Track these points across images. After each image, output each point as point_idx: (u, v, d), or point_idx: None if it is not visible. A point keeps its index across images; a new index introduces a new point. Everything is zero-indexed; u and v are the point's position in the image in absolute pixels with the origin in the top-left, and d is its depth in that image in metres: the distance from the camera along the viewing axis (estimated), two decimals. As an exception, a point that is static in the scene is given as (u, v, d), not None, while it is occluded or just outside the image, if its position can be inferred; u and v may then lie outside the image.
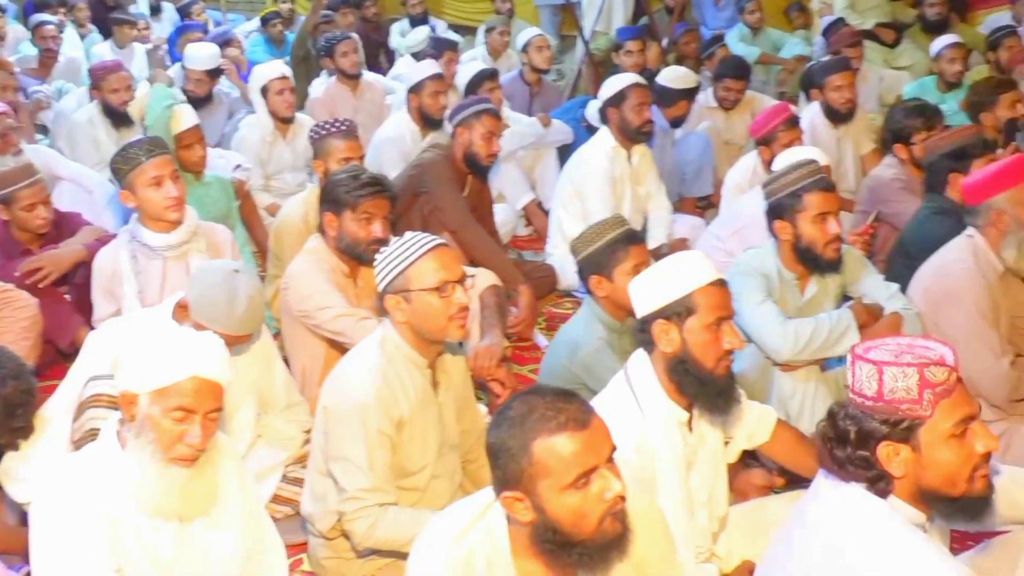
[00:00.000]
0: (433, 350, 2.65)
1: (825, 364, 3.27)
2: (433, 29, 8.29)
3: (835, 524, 1.94)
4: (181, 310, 2.80)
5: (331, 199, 3.38)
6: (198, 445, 2.11)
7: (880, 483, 1.92)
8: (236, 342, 2.71)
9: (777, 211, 3.23)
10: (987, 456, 1.91)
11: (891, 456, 1.89)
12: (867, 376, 1.91)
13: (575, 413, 1.78)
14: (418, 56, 6.53)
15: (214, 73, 6.26)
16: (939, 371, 1.87)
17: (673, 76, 5.50)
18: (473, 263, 3.92)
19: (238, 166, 5.32)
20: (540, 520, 1.79)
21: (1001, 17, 7.53)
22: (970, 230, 3.18)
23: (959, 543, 2.45)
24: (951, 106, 5.67)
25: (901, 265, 3.66)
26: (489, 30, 7.79)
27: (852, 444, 1.92)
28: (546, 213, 5.29)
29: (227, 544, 2.27)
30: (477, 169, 4.44)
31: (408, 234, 2.66)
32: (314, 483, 2.71)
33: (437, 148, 4.55)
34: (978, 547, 2.35)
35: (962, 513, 1.93)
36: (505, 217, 5.26)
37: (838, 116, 5.17)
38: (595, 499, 1.77)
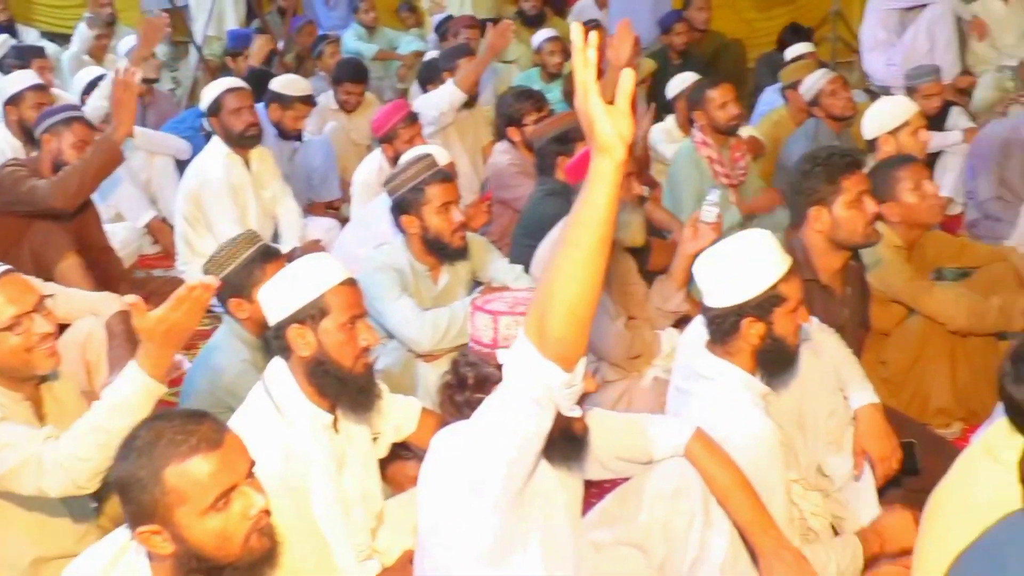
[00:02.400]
0: (28, 385, 2.44)
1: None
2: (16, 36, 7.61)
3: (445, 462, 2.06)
4: None
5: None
6: None
7: None
8: None
9: (402, 206, 3.31)
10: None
11: None
12: (484, 325, 2.04)
13: (207, 433, 1.71)
14: (1, 66, 5.99)
15: None
16: None
17: (286, 83, 5.43)
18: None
19: None
20: (182, 550, 1.71)
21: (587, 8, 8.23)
22: (577, 208, 3.43)
23: (595, 496, 2.63)
24: (555, 95, 6.11)
25: (524, 246, 3.86)
26: (89, 37, 7.28)
27: (470, 388, 2.06)
28: (171, 228, 5.05)
29: None
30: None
31: None
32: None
33: (15, 163, 4.17)
34: (608, 496, 2.54)
35: (563, 446, 2.06)
36: (128, 236, 4.97)
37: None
38: (238, 518, 1.71)
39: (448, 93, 5.21)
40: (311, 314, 2.36)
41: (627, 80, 1.60)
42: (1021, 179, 4.62)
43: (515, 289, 2.51)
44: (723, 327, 2.49)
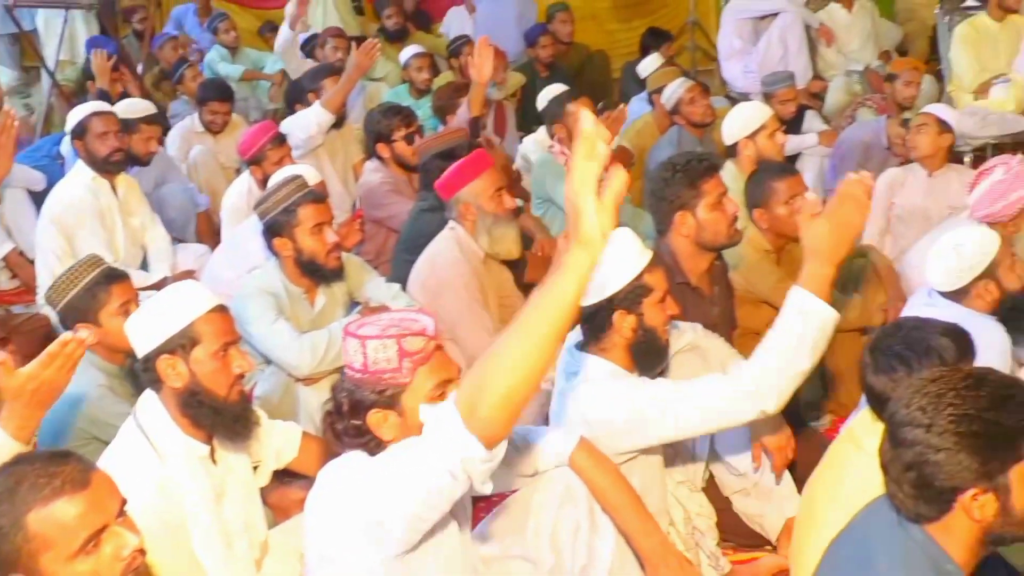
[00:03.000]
0: None
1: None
2: None
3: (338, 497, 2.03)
4: None
5: None
6: None
7: (373, 447, 2.03)
8: None
9: (274, 229, 3.25)
10: None
11: (380, 422, 2.00)
12: (354, 350, 2.01)
13: (71, 474, 1.64)
14: None
15: None
16: (416, 340, 1.99)
17: (127, 107, 5.13)
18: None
19: None
20: (50, 599, 1.63)
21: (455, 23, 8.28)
22: (452, 223, 3.45)
23: (483, 510, 2.63)
24: (425, 111, 6.10)
25: (404, 262, 3.85)
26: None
27: (346, 415, 2.02)
28: (31, 262, 4.83)
29: None
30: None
31: None
32: None
33: None
34: (494, 510, 2.54)
35: None
36: (-18, 272, 4.73)
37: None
38: (110, 560, 1.65)
39: (315, 115, 5.14)
40: (181, 344, 2.30)
41: (618, 180, 1.60)
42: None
43: (393, 310, 2.47)
44: (596, 323, 2.54)
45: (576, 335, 2.64)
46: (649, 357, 2.59)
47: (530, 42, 7.30)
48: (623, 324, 2.51)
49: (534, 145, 5.67)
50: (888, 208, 4.59)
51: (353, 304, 3.56)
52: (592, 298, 2.50)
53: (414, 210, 4.10)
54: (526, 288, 3.74)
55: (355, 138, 5.73)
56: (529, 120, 6.28)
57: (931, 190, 4.50)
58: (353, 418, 2.02)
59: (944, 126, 4.47)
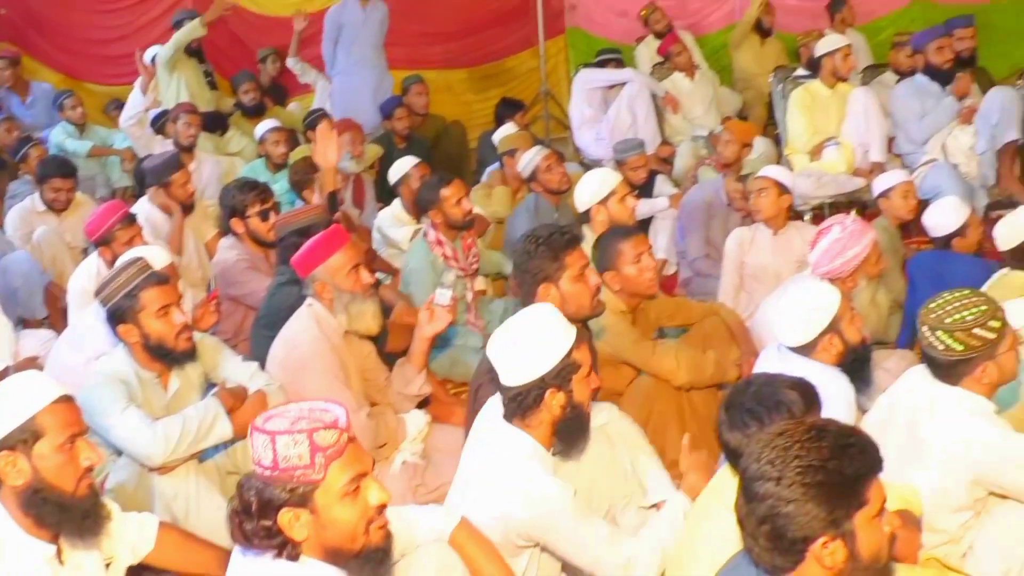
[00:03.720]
0: None
1: (202, 455, 3.23)
2: None
3: None
4: None
5: None
6: None
7: (287, 549, 1.95)
8: None
9: (118, 316, 3.13)
10: (381, 508, 2.02)
11: (292, 522, 1.93)
12: (263, 446, 1.93)
13: None
14: None
15: None
16: (329, 434, 1.93)
17: None
18: None
19: None
20: None
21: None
22: (309, 299, 3.40)
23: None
24: (282, 185, 6.05)
25: (263, 338, 3.76)
26: None
27: (255, 515, 1.94)
28: None
29: None
30: None
31: None
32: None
33: None
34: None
35: (365, 565, 2.02)
36: None
37: (184, 206, 5.22)
38: None
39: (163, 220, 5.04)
40: (22, 439, 2.19)
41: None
42: (723, 238, 5.02)
43: (298, 402, 2.32)
44: (526, 402, 2.53)
45: (497, 406, 2.63)
46: (573, 434, 2.60)
47: (386, 114, 7.35)
48: (553, 402, 2.52)
49: (390, 219, 5.68)
50: (740, 267, 4.78)
51: (209, 386, 3.45)
52: (523, 378, 2.50)
53: (272, 285, 4.03)
54: (390, 359, 3.71)
55: (207, 214, 5.63)
56: (388, 192, 6.30)
57: (777, 248, 4.71)
58: (262, 518, 1.93)
59: (783, 188, 4.70)
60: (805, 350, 3.06)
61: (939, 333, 2.65)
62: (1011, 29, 9.13)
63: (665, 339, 4.18)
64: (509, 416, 2.58)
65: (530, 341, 2.53)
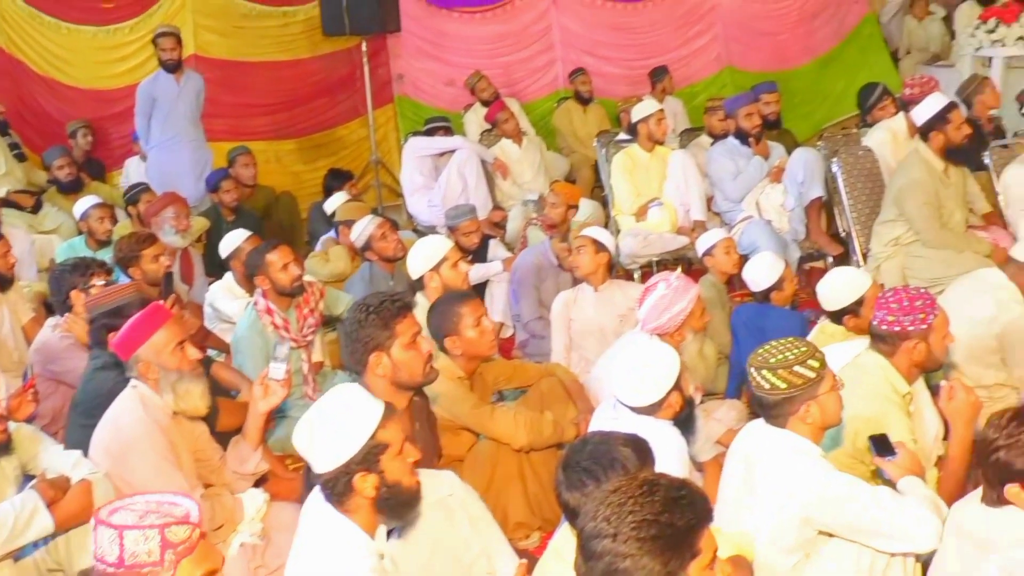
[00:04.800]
0: None
1: (19, 553, 3.03)
2: None
3: None
4: None
5: None
6: None
7: None
8: None
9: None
10: None
11: None
12: (108, 541, 1.82)
13: None
14: None
15: None
16: (182, 529, 1.84)
17: None
18: None
19: None
20: None
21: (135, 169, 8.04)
22: (134, 381, 3.25)
23: None
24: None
25: (80, 427, 3.56)
26: None
27: None
28: None
29: None
30: None
31: None
32: None
33: None
34: None
35: None
36: None
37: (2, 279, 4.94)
38: None
39: None
40: None
41: None
42: (554, 298, 5.12)
43: (148, 493, 2.14)
44: (337, 489, 2.46)
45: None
46: (399, 509, 2.54)
47: (212, 187, 7.18)
48: (365, 485, 2.45)
49: (223, 292, 5.54)
50: (568, 325, 4.90)
51: (26, 478, 3.25)
52: (328, 465, 2.44)
53: (87, 371, 3.82)
54: (223, 438, 3.59)
55: (23, 295, 5.34)
56: (216, 265, 6.14)
57: (600, 304, 4.86)
58: None
59: (599, 245, 4.87)
60: (650, 410, 3.14)
61: (764, 372, 2.79)
62: (809, 93, 9.87)
63: (504, 402, 4.22)
64: (328, 502, 2.51)
65: (331, 428, 2.45)
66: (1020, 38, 8.00)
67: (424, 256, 4.54)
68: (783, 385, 2.77)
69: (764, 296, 4.85)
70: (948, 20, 10.48)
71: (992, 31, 8.05)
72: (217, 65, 8.60)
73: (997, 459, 2.44)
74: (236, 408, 3.77)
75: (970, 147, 5.62)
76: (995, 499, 2.49)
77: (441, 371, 3.43)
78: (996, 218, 5.87)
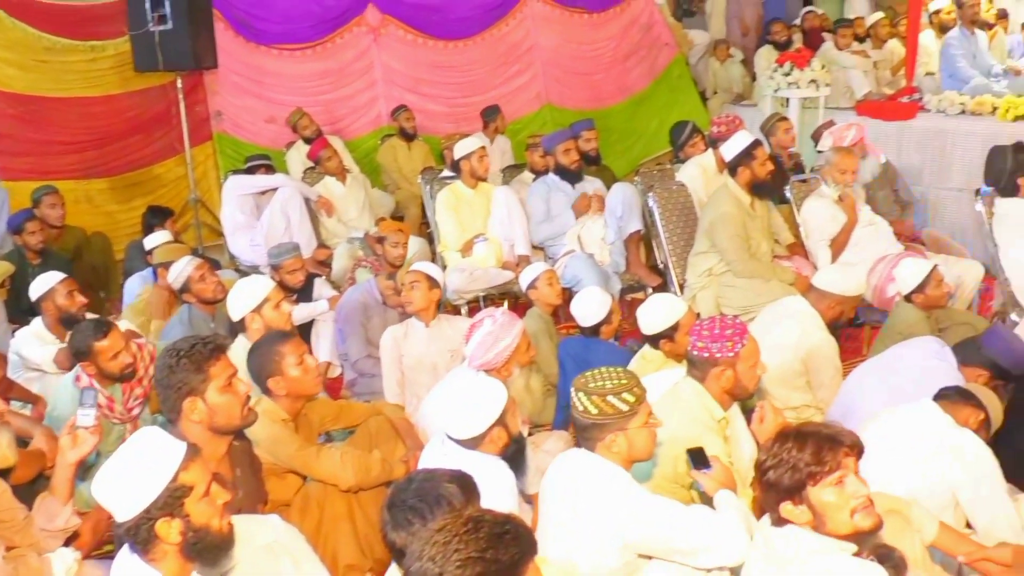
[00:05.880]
0: None
1: None
2: None
3: None
4: None
5: None
6: None
7: None
8: None
9: None
10: None
11: None
12: None
13: None
14: None
15: None
16: None
17: None
18: None
19: None
20: None
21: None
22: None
23: None
24: None
25: None
26: None
27: None
28: None
29: None
30: None
31: None
32: None
33: None
34: None
35: None
36: None
37: None
38: None
39: None
40: None
41: None
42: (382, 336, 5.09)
43: None
44: (140, 537, 2.34)
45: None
46: (209, 555, 2.43)
47: (15, 229, 6.78)
48: (169, 531, 2.34)
49: (30, 338, 5.22)
50: (399, 361, 4.87)
51: None
52: (128, 514, 2.32)
53: None
54: (20, 492, 3.36)
55: None
56: (22, 311, 5.80)
57: (431, 339, 4.87)
58: None
59: (432, 281, 4.89)
60: (473, 443, 3.15)
61: (580, 395, 2.88)
62: (625, 131, 10.26)
63: (332, 443, 4.14)
64: (133, 552, 2.40)
65: (129, 473, 2.36)
66: (812, 81, 8.56)
67: (244, 297, 4.42)
68: (594, 411, 2.85)
69: (593, 331, 4.98)
70: (747, 63, 11.16)
71: (788, 74, 8.59)
72: (18, 100, 8.17)
73: (768, 480, 2.48)
74: (30, 458, 3.54)
75: (773, 182, 5.97)
76: (776, 519, 2.54)
77: (264, 414, 3.35)
78: (799, 248, 6.24)
